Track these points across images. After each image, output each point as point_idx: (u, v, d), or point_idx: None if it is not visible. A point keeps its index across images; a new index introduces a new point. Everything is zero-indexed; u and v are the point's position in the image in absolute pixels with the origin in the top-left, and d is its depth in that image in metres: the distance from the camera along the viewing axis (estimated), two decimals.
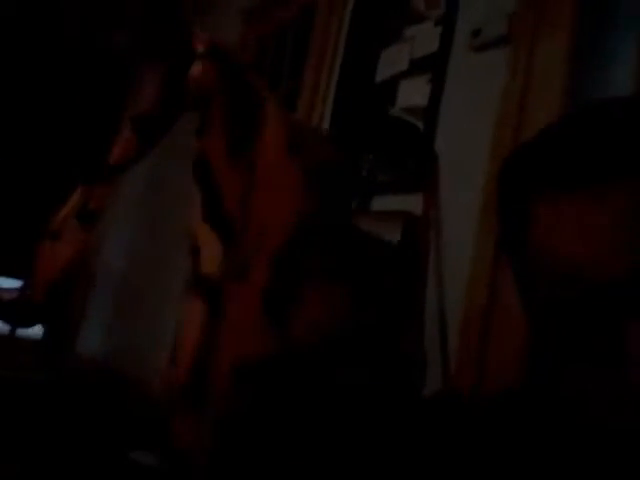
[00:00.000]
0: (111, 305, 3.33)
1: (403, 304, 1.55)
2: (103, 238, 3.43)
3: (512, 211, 0.57)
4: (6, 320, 3.24)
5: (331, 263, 1.10)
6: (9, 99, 3.26)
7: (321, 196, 1.11)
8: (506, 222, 0.59)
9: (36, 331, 3.21)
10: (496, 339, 1.39)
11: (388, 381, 1.32)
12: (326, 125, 2.30)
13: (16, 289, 3.40)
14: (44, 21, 3.26)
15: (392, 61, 2.05)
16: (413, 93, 1.87)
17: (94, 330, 3.33)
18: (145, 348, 3.04)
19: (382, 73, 2.07)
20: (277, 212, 1.02)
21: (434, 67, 1.83)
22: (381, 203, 1.86)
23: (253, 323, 0.97)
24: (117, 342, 3.25)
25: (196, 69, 1.05)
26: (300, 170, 1.06)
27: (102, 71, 3.43)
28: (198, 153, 1.01)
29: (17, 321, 3.26)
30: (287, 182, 1.04)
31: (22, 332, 3.15)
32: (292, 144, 1.05)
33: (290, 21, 2.81)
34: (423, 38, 1.94)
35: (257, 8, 3.02)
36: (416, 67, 1.92)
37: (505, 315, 1.42)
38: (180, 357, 0.99)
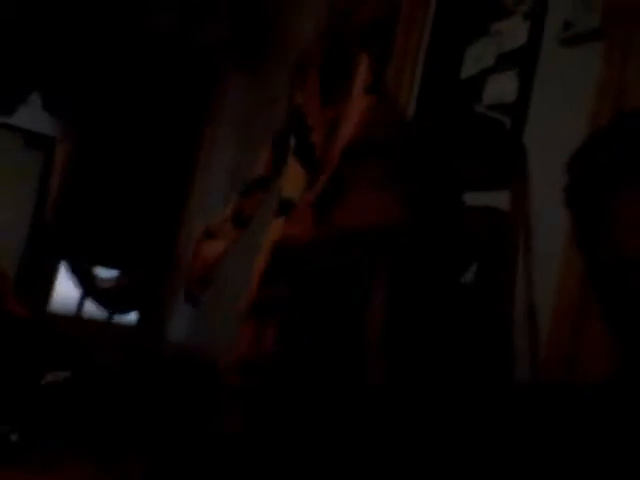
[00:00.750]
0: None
1: (492, 302, 1.57)
2: (191, 236, 3.60)
3: (587, 201, 0.54)
4: (104, 306, 3.47)
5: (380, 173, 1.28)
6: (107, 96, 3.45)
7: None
8: (580, 214, 0.57)
9: (131, 317, 3.42)
10: (589, 335, 1.39)
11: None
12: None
13: (113, 278, 3.65)
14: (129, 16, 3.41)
15: (478, 57, 2.04)
16: (501, 89, 1.86)
17: (182, 318, 3.50)
18: (228, 334, 3.17)
19: (468, 69, 2.07)
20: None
21: (522, 62, 1.82)
22: (468, 199, 1.87)
23: (304, 216, 1.22)
24: (203, 328, 3.41)
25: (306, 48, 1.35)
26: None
27: (194, 68, 3.59)
28: (296, 105, 1.25)
29: (114, 308, 3.49)
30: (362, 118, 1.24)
31: (118, 318, 3.36)
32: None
33: (373, 19, 2.84)
34: (511, 32, 1.93)
35: (338, 5, 3.06)
36: (504, 62, 1.91)
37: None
38: None
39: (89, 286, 3.27)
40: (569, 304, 1.44)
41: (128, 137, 3.56)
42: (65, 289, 3.42)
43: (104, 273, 3.40)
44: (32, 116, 3.32)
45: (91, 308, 3.35)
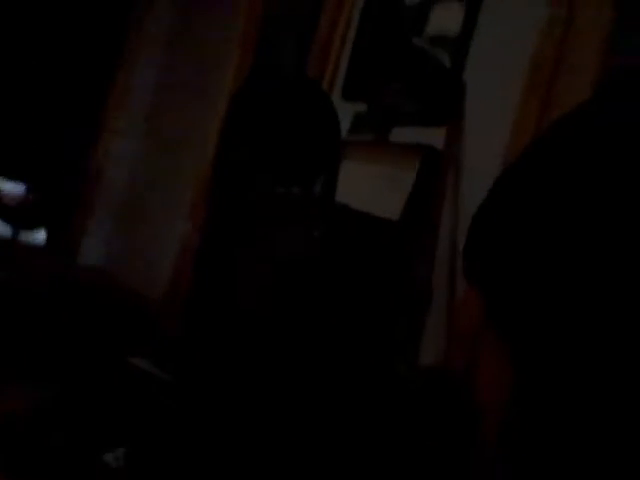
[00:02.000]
0: (114, 216, 3.32)
1: (416, 237, 1.53)
2: (108, 154, 3.37)
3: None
4: (9, 222, 3.23)
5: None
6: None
7: None
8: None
9: (39, 237, 3.20)
10: None
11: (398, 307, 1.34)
12: (348, 51, 2.21)
13: (19, 193, 3.37)
14: None
15: None
16: (445, 20, 1.77)
17: (96, 241, 3.32)
18: (147, 259, 3.05)
19: None
20: None
21: None
22: (401, 135, 1.80)
23: None
24: (118, 253, 3.26)
25: None
26: None
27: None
28: None
29: (20, 225, 3.25)
30: None
31: (24, 236, 3.14)
32: None
33: None
34: None
35: None
36: None
37: None
38: None
39: None
40: None
41: (40, 41, 3.24)
42: None
43: (9, 187, 3.14)
44: None
45: None
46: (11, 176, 3.17)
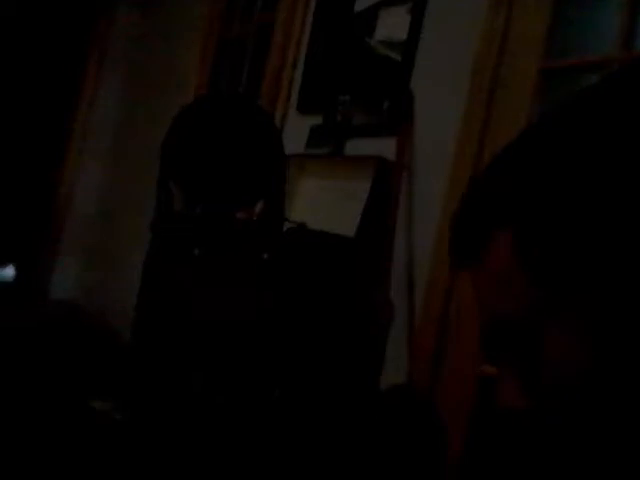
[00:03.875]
0: (81, 249, 3.26)
1: (372, 253, 1.49)
2: (75, 179, 3.32)
3: None
4: None
5: None
6: None
7: None
8: None
9: (8, 273, 3.14)
10: (464, 289, 1.34)
11: (356, 331, 1.30)
12: (301, 64, 2.18)
13: None
14: None
15: None
16: (393, 24, 1.74)
17: (67, 272, 3.26)
18: (114, 290, 2.99)
19: (362, 1, 1.93)
20: None
21: None
22: (355, 147, 1.77)
23: None
24: (89, 285, 3.20)
25: None
26: None
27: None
28: None
29: None
30: None
31: None
32: None
33: None
34: None
35: None
36: None
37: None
38: None
39: None
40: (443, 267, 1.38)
41: (4, 68, 3.19)
42: None
43: None
44: None
45: None
46: None
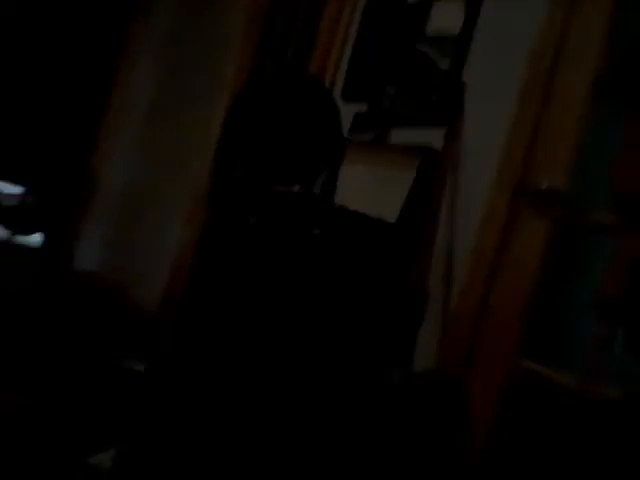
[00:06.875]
0: (112, 221, 3.30)
1: (413, 239, 1.51)
2: (107, 156, 3.35)
3: None
4: (6, 226, 3.21)
5: None
6: None
7: None
8: None
9: (35, 239, 3.18)
10: (502, 279, 1.36)
11: (393, 313, 1.32)
12: (349, 52, 2.20)
13: (17, 195, 3.36)
14: None
15: None
16: (446, 18, 1.76)
17: (93, 245, 3.30)
18: (144, 266, 3.03)
19: None
20: None
21: None
22: (398, 136, 1.79)
23: None
24: (115, 259, 3.24)
25: None
26: None
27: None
28: None
29: (17, 227, 3.23)
30: None
31: (21, 239, 3.12)
32: None
33: None
34: None
35: None
36: None
37: (513, 262, 1.39)
38: None
39: None
40: (489, 245, 1.40)
41: (42, 45, 3.23)
42: None
43: (7, 189, 3.13)
44: None
45: None
46: (9, 179, 3.15)
